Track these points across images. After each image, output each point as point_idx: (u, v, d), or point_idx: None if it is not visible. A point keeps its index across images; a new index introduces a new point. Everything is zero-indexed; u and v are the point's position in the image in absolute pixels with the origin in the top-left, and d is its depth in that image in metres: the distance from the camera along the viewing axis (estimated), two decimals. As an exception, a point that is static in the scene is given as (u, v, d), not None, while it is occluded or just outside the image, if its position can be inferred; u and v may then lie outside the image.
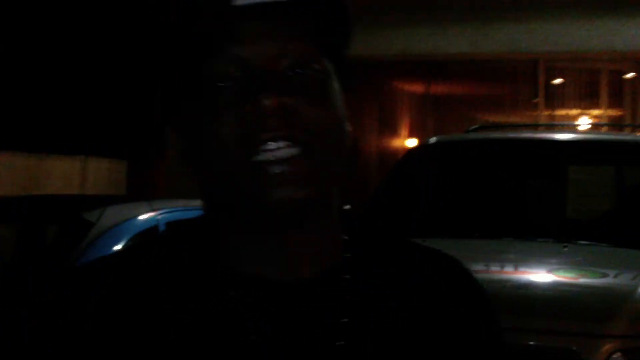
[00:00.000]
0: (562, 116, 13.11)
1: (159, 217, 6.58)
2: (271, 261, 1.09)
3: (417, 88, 12.95)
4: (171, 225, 1.17)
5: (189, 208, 7.33)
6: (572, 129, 8.34)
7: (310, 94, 1.06)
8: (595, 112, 13.27)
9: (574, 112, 13.27)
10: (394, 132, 13.19)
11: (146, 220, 6.43)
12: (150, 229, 6.44)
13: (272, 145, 1.03)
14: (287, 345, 1.06)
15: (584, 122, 12.63)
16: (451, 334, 1.14)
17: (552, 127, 9.24)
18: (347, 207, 5.01)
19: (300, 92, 1.05)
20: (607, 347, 3.93)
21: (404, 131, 13.26)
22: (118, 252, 1.18)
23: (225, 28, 1.05)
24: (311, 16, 1.07)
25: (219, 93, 1.05)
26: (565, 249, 4.95)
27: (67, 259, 5.83)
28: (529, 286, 4.48)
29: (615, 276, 4.64)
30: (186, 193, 9.03)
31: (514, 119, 12.85)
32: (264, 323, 1.06)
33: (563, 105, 13.26)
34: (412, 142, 13.04)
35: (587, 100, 13.25)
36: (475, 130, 6.79)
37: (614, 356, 3.90)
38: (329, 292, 1.10)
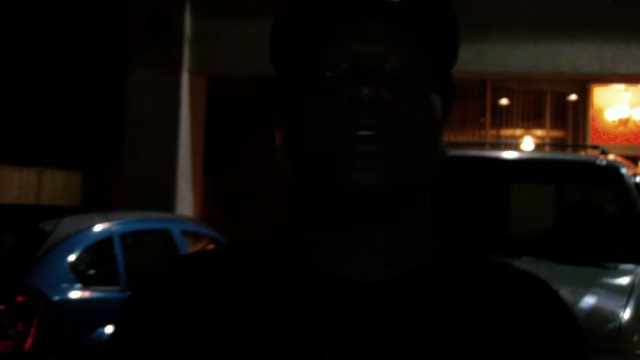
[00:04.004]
0: (508, 135, 13.42)
1: (114, 227, 6.68)
2: (349, 261, 1.10)
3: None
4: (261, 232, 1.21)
5: (144, 219, 7.45)
6: (517, 148, 8.56)
7: (409, 97, 1.08)
8: (539, 132, 13.59)
9: (518, 132, 13.59)
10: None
11: (101, 231, 6.53)
12: (106, 240, 6.55)
13: (363, 132, 1.05)
14: (351, 345, 1.06)
15: (528, 142, 12.93)
16: None
17: (498, 146, 9.46)
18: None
19: (399, 91, 1.08)
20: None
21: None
22: (209, 250, 1.21)
23: (338, 21, 1.10)
24: (422, 21, 1.11)
25: (325, 82, 1.09)
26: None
27: (23, 266, 5.92)
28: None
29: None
30: (140, 205, 9.15)
31: (461, 137, 13.07)
32: (330, 321, 1.07)
33: (509, 125, 13.58)
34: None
35: (532, 121, 13.58)
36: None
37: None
38: (405, 296, 1.09)
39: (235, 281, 1.11)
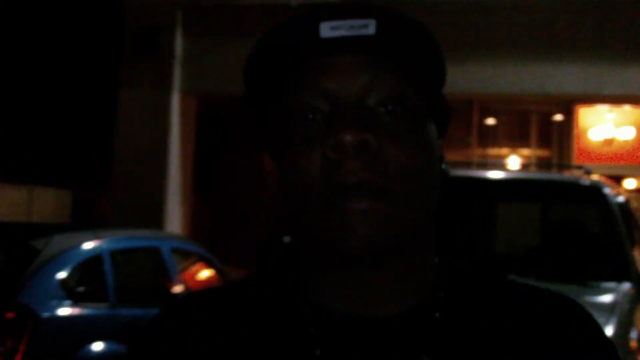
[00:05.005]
0: (494, 155, 13.49)
1: (104, 245, 6.68)
2: (353, 298, 1.03)
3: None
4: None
5: (133, 237, 7.45)
6: (503, 167, 8.61)
7: (397, 132, 0.99)
8: (525, 151, 13.66)
9: (505, 151, 13.66)
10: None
11: (91, 249, 6.53)
12: (95, 257, 6.56)
13: (351, 189, 0.96)
14: None
15: (514, 161, 13.00)
16: None
17: (485, 166, 9.48)
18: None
19: (386, 129, 0.99)
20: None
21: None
22: (213, 288, 1.15)
23: (312, 60, 1.02)
24: (400, 49, 1.03)
25: (306, 125, 1.01)
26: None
27: (13, 283, 5.93)
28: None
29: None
30: (130, 223, 9.18)
31: (448, 156, 13.08)
32: (336, 357, 1.01)
33: (495, 145, 13.66)
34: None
35: (518, 140, 13.65)
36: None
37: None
38: (414, 330, 1.02)
39: (239, 321, 1.06)
